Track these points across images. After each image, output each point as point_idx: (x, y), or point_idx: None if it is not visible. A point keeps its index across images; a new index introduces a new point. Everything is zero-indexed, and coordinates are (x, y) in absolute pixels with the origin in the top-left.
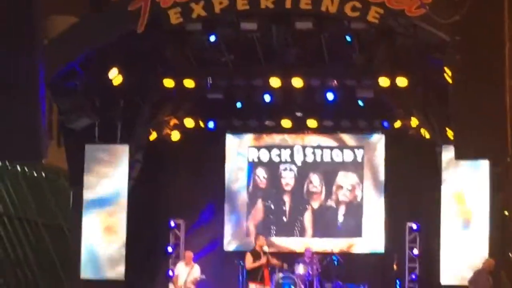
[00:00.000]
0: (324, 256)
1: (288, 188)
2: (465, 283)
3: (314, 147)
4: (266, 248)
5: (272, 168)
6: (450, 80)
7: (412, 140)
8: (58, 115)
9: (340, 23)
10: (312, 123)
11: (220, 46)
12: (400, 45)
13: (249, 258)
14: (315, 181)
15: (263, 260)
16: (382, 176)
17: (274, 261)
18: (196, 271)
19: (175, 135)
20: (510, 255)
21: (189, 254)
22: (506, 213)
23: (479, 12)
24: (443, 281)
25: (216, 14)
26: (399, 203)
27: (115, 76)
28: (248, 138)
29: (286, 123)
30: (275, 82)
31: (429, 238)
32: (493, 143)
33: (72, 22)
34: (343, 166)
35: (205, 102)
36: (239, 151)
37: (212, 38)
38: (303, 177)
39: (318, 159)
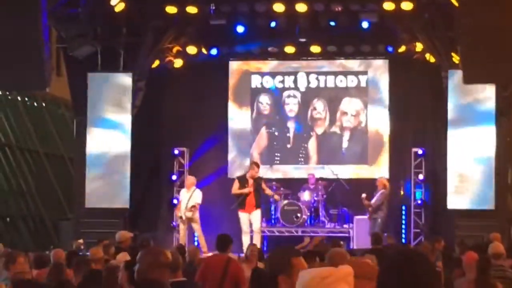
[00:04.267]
0: (329, 182)
1: (292, 114)
2: (472, 207)
3: (318, 73)
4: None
5: (276, 94)
6: (456, 3)
7: (417, 64)
8: (57, 44)
9: None
10: (316, 48)
11: None
12: None
13: (235, 184)
14: (319, 107)
15: (246, 190)
16: (386, 102)
17: (267, 191)
18: (196, 196)
19: (178, 63)
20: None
21: (190, 179)
22: (508, 139)
23: None
24: (450, 205)
25: None
26: (404, 128)
27: (117, 2)
28: (252, 64)
29: (289, 49)
30: (278, 7)
31: (435, 163)
32: (501, 67)
33: None
34: (347, 91)
35: (208, 29)
36: (242, 78)
37: None
38: (307, 103)
39: (322, 85)
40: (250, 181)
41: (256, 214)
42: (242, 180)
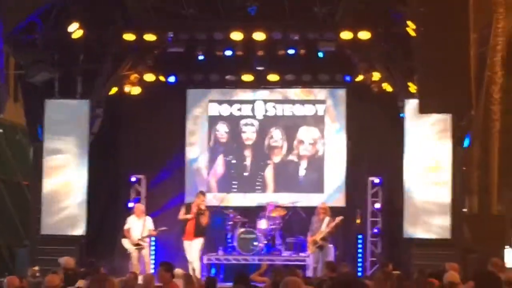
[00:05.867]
0: (286, 211)
1: (249, 142)
2: (428, 236)
3: (275, 101)
4: (203, 206)
5: (233, 122)
6: (413, 33)
7: (374, 94)
8: (14, 70)
9: None
10: (273, 77)
11: None
12: None
13: (182, 210)
14: (276, 135)
15: (188, 216)
16: (343, 130)
17: (204, 219)
18: (150, 224)
19: (136, 90)
20: (465, 210)
21: (141, 207)
22: (464, 168)
23: None
24: (406, 234)
25: None
26: (361, 157)
27: (75, 29)
28: (209, 92)
29: (247, 77)
30: (236, 35)
31: (392, 192)
32: (457, 97)
33: None
34: (305, 120)
35: (166, 56)
36: (200, 106)
37: None
38: (264, 131)
39: (279, 113)
40: (194, 209)
41: (195, 244)
42: (188, 208)
